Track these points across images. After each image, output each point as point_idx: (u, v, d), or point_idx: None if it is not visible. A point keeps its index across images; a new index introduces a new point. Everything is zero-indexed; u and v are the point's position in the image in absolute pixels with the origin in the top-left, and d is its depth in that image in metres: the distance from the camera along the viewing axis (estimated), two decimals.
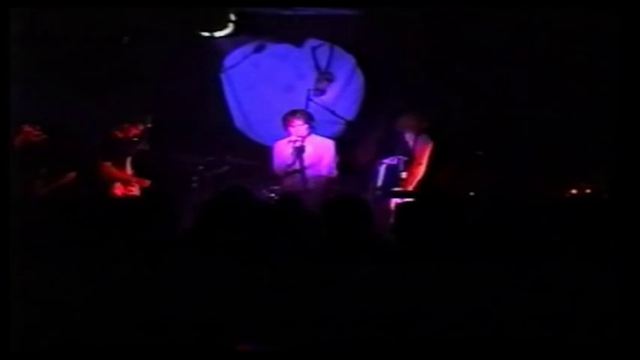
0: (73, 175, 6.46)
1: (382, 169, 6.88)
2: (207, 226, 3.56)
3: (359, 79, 7.36)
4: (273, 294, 3.01)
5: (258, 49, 7.39)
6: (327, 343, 2.90)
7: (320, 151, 6.72)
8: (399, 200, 5.86)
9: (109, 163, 6.63)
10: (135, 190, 6.60)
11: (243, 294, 3.01)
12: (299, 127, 6.62)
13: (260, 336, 2.93)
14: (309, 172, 6.55)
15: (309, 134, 6.67)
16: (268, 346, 2.89)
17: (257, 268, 3.09)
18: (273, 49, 7.42)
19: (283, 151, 6.73)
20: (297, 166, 6.56)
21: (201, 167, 6.88)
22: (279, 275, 3.07)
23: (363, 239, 3.54)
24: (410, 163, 6.60)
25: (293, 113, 6.70)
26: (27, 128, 6.26)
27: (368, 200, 5.35)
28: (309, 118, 6.69)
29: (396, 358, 2.86)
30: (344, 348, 2.89)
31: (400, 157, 6.84)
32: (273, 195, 6.46)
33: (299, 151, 6.54)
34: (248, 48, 7.39)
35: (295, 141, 6.58)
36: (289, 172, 6.60)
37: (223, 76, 7.48)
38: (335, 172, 6.73)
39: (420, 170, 6.56)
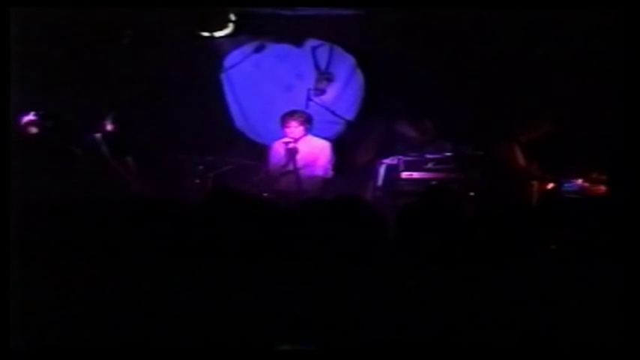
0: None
1: (382, 169, 6.88)
2: (203, 227, 3.55)
3: (359, 79, 7.36)
4: (272, 294, 3.01)
5: (258, 49, 7.39)
6: (327, 344, 2.90)
7: (315, 152, 6.72)
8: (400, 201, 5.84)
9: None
10: None
11: (243, 295, 3.01)
12: (294, 128, 6.63)
13: (261, 337, 2.93)
14: (303, 173, 6.54)
15: (304, 135, 6.67)
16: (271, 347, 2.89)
17: (255, 268, 3.09)
18: (273, 49, 7.42)
19: (278, 151, 6.73)
20: (290, 166, 6.56)
21: (201, 167, 6.87)
22: (279, 275, 3.07)
23: (364, 239, 3.54)
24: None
25: (291, 114, 6.70)
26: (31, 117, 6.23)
27: (369, 201, 5.34)
28: (306, 120, 6.69)
29: (396, 359, 2.86)
30: (344, 349, 2.89)
31: (400, 157, 6.84)
32: (271, 195, 6.46)
33: (292, 152, 6.53)
34: (248, 48, 7.39)
35: (288, 142, 6.58)
36: (284, 173, 6.61)
37: (223, 76, 7.49)
38: (330, 173, 6.72)
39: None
